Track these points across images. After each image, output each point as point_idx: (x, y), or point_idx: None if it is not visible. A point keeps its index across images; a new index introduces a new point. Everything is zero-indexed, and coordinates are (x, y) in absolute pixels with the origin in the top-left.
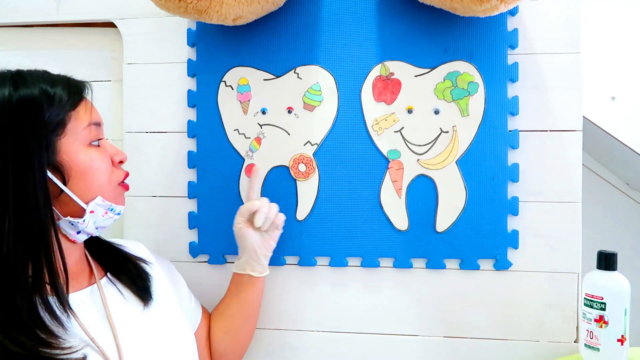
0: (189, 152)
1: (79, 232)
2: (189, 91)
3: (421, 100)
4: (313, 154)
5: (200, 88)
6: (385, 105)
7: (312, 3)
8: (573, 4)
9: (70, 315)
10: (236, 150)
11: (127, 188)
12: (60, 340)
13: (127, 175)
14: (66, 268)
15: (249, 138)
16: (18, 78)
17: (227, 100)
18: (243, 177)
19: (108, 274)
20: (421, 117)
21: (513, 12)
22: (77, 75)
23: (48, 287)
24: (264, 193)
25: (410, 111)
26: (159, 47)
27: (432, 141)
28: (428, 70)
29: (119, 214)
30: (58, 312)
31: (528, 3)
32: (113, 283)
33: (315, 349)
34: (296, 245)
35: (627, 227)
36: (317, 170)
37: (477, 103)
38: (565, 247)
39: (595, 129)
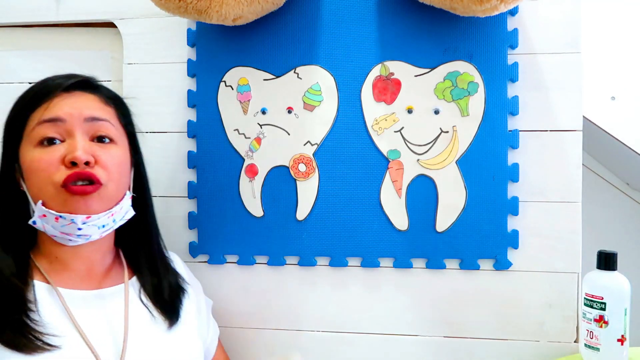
0: (189, 152)
1: (55, 236)
2: (189, 91)
3: (421, 100)
4: (313, 154)
5: (200, 88)
6: (385, 105)
7: (312, 3)
8: (573, 4)
9: (65, 307)
10: (236, 151)
11: (79, 191)
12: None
13: (74, 174)
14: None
15: (249, 138)
16: (27, 89)
17: (227, 100)
18: (243, 177)
19: (137, 287)
20: (421, 117)
21: (513, 12)
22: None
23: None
24: (264, 193)
25: (410, 111)
26: (159, 47)
27: (432, 141)
28: (428, 70)
29: (73, 221)
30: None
31: (528, 3)
32: (141, 294)
33: (315, 349)
34: (296, 245)
35: (627, 227)
36: (317, 170)
37: (477, 103)
38: (565, 247)
39: (595, 129)
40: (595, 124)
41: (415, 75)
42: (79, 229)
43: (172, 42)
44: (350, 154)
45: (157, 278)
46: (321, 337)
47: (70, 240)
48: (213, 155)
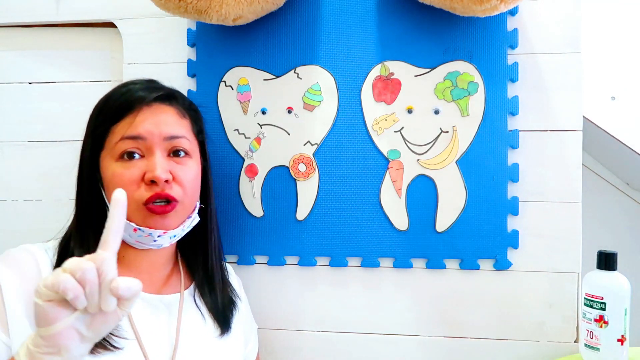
0: None
1: (127, 240)
2: (189, 91)
3: (421, 100)
4: (313, 154)
5: (200, 88)
6: (385, 105)
7: (312, 3)
8: (573, 4)
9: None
10: (236, 151)
11: (159, 211)
12: None
13: (155, 195)
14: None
15: (249, 138)
16: (107, 93)
17: (227, 100)
18: (243, 177)
19: (195, 296)
20: (421, 117)
21: (513, 12)
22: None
23: None
24: (264, 193)
25: (410, 111)
26: (159, 47)
27: (432, 141)
28: (428, 70)
29: (151, 234)
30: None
31: (528, 3)
32: (197, 302)
33: (315, 349)
34: (296, 245)
35: (627, 227)
36: (317, 170)
37: (477, 103)
38: (565, 247)
39: (595, 129)
40: (595, 124)
41: (415, 75)
42: (155, 240)
43: (172, 42)
44: (350, 154)
45: (213, 289)
46: (321, 337)
47: (142, 245)
48: (213, 155)
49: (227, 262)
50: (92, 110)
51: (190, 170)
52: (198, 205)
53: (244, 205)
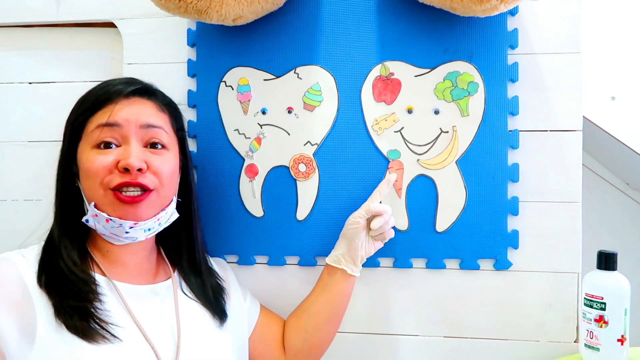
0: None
1: (104, 234)
2: (189, 91)
3: (421, 100)
4: (313, 154)
5: (200, 88)
6: (385, 105)
7: (312, 3)
8: (573, 4)
9: (122, 301)
10: (236, 150)
11: (128, 200)
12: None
13: (126, 183)
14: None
15: (249, 138)
16: (87, 91)
17: (227, 100)
18: (243, 177)
19: (181, 284)
20: (421, 117)
21: (513, 12)
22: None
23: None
24: (264, 193)
25: (410, 111)
26: (159, 47)
27: (432, 141)
28: (428, 70)
29: (121, 225)
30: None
31: (528, 3)
32: (185, 290)
33: None
34: (296, 245)
35: (627, 227)
36: (317, 170)
37: (477, 103)
38: (565, 247)
39: (595, 129)
40: (595, 124)
41: (415, 76)
42: (127, 232)
43: (172, 42)
44: (350, 154)
45: (200, 279)
46: None
47: (118, 239)
48: (213, 155)
49: (227, 262)
50: (70, 112)
51: (166, 162)
52: (175, 200)
53: (244, 205)
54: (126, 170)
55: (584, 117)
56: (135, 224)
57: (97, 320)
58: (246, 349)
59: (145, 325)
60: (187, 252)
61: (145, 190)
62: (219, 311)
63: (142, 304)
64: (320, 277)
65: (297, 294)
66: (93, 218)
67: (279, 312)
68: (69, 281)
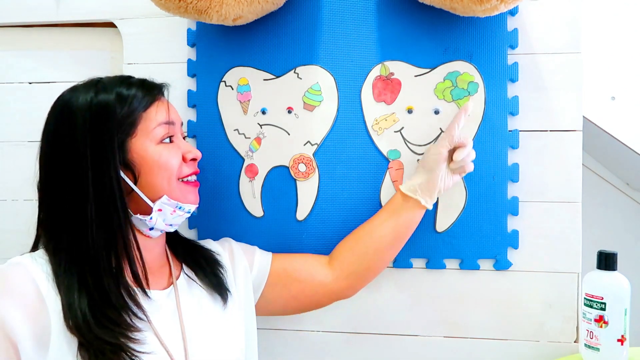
0: None
1: (151, 229)
2: (189, 91)
3: (421, 100)
4: (313, 154)
5: (200, 88)
6: (385, 105)
7: (312, 3)
8: (573, 4)
9: (145, 313)
10: (236, 150)
11: (196, 185)
12: (137, 330)
13: (195, 172)
14: (143, 261)
15: (249, 138)
16: (100, 84)
17: (227, 100)
18: (243, 177)
19: (185, 272)
20: (421, 117)
21: (513, 12)
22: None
23: (129, 277)
24: (263, 193)
25: (410, 111)
26: (159, 47)
27: (432, 141)
28: (428, 70)
29: (189, 212)
30: (140, 299)
31: (528, 3)
32: (191, 281)
33: (315, 349)
34: (296, 245)
35: (627, 227)
36: (317, 170)
37: (477, 103)
38: (565, 247)
39: (595, 129)
40: (595, 124)
41: (415, 75)
42: (187, 218)
43: (172, 42)
44: (350, 154)
45: (196, 259)
46: (321, 337)
47: (161, 231)
48: (213, 155)
49: None
50: (98, 108)
51: None
52: None
53: (244, 205)
54: (193, 160)
55: (584, 117)
56: (196, 207)
57: (130, 354)
58: (254, 315)
59: (163, 336)
60: (179, 240)
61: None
62: (219, 288)
63: (160, 316)
64: (390, 202)
65: None
66: (157, 213)
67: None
68: (104, 317)
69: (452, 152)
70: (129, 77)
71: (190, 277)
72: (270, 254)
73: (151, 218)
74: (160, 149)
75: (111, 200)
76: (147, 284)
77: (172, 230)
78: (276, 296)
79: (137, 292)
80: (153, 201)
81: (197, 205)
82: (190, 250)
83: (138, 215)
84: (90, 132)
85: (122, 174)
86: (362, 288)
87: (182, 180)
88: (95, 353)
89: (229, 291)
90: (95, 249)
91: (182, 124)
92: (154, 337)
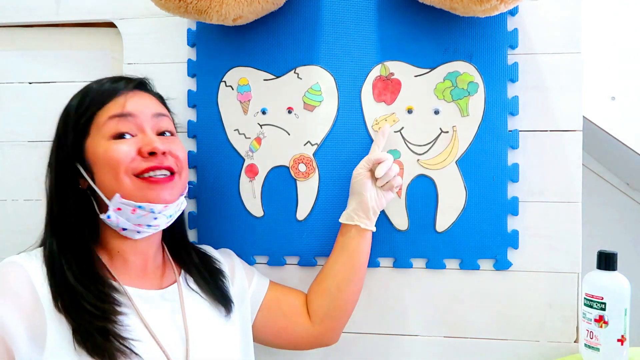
0: (189, 152)
1: (124, 229)
2: (189, 91)
3: (421, 100)
4: (313, 154)
5: (200, 88)
6: (385, 105)
7: (312, 3)
8: (573, 4)
9: (134, 308)
10: (236, 150)
11: (162, 182)
12: (119, 314)
13: (157, 167)
14: (125, 259)
15: (249, 138)
16: (84, 88)
17: (227, 100)
18: (243, 177)
19: (185, 277)
20: (421, 117)
21: (513, 12)
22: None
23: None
24: (264, 193)
25: (410, 111)
26: (159, 47)
27: (432, 141)
28: (428, 70)
29: (153, 211)
30: (113, 290)
31: (528, 3)
32: (189, 288)
33: (315, 349)
34: (296, 245)
35: (627, 227)
36: (317, 170)
37: (477, 103)
38: (565, 247)
39: (595, 129)
40: (595, 124)
41: (415, 76)
42: (155, 218)
43: (172, 42)
44: (350, 154)
45: (197, 266)
46: None
47: (138, 232)
48: (213, 155)
49: None
50: (63, 111)
51: (180, 147)
52: (187, 187)
53: (244, 205)
54: (151, 154)
55: (584, 117)
56: (165, 207)
57: (119, 339)
58: (250, 333)
59: (159, 334)
60: (182, 244)
61: (172, 173)
62: (223, 299)
63: (154, 312)
64: (336, 239)
65: None
66: (115, 212)
67: None
68: (86, 301)
69: (374, 170)
70: (113, 77)
71: (189, 284)
72: (268, 279)
73: (109, 217)
74: (109, 144)
75: (68, 200)
76: (130, 282)
77: (148, 231)
78: (263, 324)
79: (115, 285)
80: (109, 199)
81: (182, 205)
82: (199, 257)
83: (101, 215)
84: (56, 136)
85: (84, 173)
86: (343, 328)
87: (140, 177)
88: (86, 338)
89: (233, 302)
90: (69, 248)
91: (167, 117)
92: (145, 329)
